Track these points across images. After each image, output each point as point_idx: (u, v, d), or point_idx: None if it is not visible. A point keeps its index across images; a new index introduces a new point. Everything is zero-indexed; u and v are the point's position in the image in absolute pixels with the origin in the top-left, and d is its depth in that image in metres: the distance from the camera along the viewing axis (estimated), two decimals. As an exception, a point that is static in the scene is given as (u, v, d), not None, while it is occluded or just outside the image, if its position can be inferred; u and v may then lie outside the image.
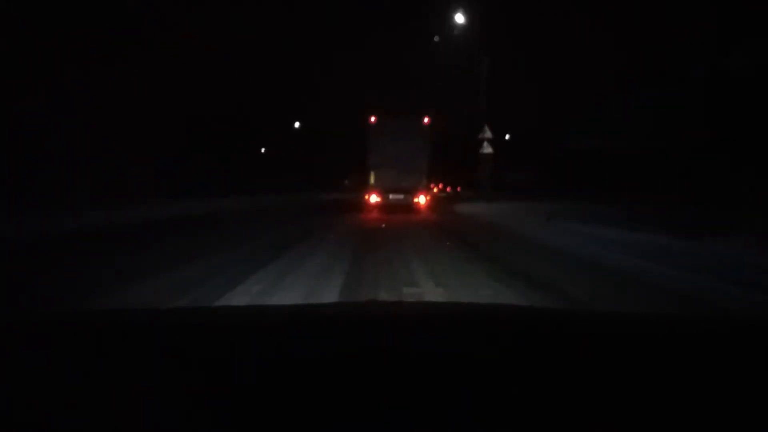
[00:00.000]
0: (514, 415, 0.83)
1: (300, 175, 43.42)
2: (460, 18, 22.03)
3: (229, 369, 0.99)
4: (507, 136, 34.78)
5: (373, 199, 19.04)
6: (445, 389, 0.90)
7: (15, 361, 1.01)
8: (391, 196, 19.06)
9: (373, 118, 19.11)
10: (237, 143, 31.13)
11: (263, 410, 0.84)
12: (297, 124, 43.01)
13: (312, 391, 0.89)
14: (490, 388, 0.91)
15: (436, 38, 25.06)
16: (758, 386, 0.92)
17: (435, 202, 25.17)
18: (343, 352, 1.05)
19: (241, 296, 4.74)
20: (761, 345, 1.16)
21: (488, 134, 21.35)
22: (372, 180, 19.17)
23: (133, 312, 1.70)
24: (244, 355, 1.05)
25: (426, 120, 19.12)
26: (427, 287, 5.31)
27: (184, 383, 0.93)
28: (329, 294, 4.89)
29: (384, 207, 18.96)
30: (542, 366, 1.01)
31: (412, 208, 18.95)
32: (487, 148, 21.35)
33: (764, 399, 0.87)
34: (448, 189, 61.58)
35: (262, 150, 40.66)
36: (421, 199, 19.12)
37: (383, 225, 13.62)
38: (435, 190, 39.88)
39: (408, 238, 10.34)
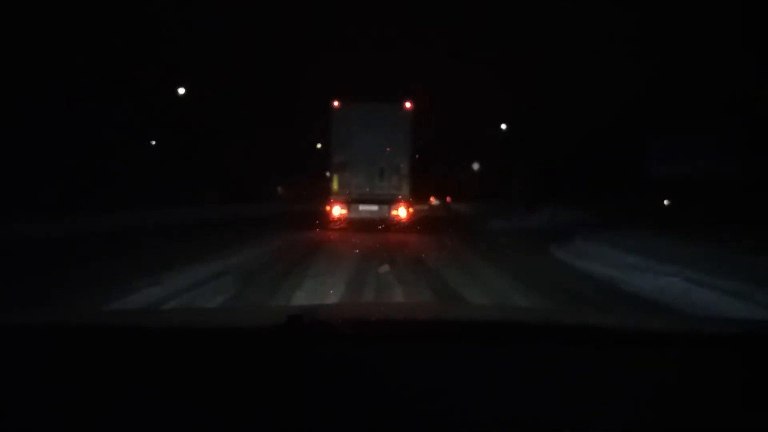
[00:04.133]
0: (514, 417, 0.86)
1: (203, 180, 26.93)
2: None
3: (229, 369, 1.02)
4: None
5: (337, 211, 14.11)
6: (445, 391, 0.93)
7: (13, 361, 1.05)
8: (360, 208, 14.12)
9: (336, 103, 14.20)
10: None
11: (263, 410, 0.86)
12: (181, 91, 23.66)
13: (312, 390, 0.92)
14: (490, 389, 0.95)
15: None
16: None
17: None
18: (342, 353, 1.09)
19: None
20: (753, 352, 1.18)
21: None
22: (335, 186, 14.23)
23: (132, 312, 1.94)
24: (243, 355, 1.08)
25: (408, 105, 14.20)
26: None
27: (184, 383, 0.96)
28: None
29: (351, 225, 13.81)
30: (544, 368, 1.04)
31: (393, 226, 13.80)
32: None
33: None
34: (432, 199, 44.77)
35: (153, 142, 24.43)
36: (401, 212, 14.13)
37: None
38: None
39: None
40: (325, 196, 14.50)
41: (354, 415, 0.84)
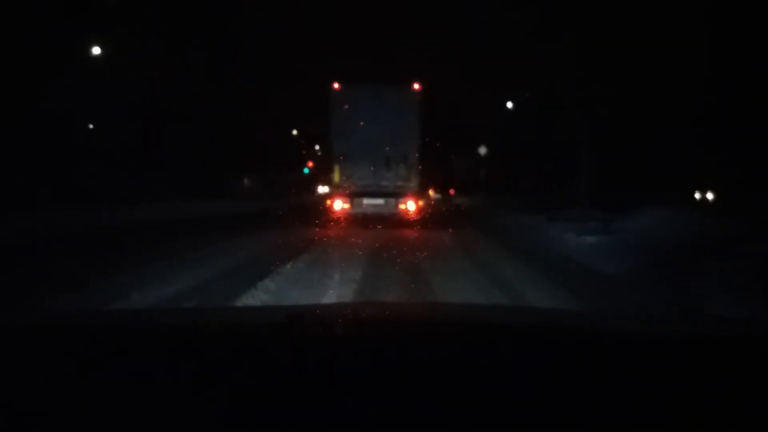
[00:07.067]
0: (515, 418, 0.84)
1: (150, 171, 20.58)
2: None
3: (230, 369, 1.00)
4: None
5: (338, 206, 12.73)
6: (446, 391, 0.92)
7: (13, 362, 1.03)
8: (365, 202, 12.70)
9: (336, 85, 12.73)
10: None
11: (263, 409, 0.85)
12: (96, 51, 17.72)
13: (312, 390, 0.90)
14: (490, 390, 0.93)
15: None
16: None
17: None
18: (343, 353, 1.08)
19: None
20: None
21: None
22: (336, 177, 12.81)
23: (133, 312, 1.98)
24: (244, 355, 1.07)
25: (417, 86, 12.76)
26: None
27: (185, 382, 0.95)
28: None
29: (354, 221, 12.34)
30: (545, 369, 1.03)
31: (403, 223, 12.34)
32: None
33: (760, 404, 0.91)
34: (431, 192, 41.50)
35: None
36: (410, 206, 12.73)
37: None
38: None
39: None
40: (303, 190, 13.10)
41: (354, 415, 0.83)
